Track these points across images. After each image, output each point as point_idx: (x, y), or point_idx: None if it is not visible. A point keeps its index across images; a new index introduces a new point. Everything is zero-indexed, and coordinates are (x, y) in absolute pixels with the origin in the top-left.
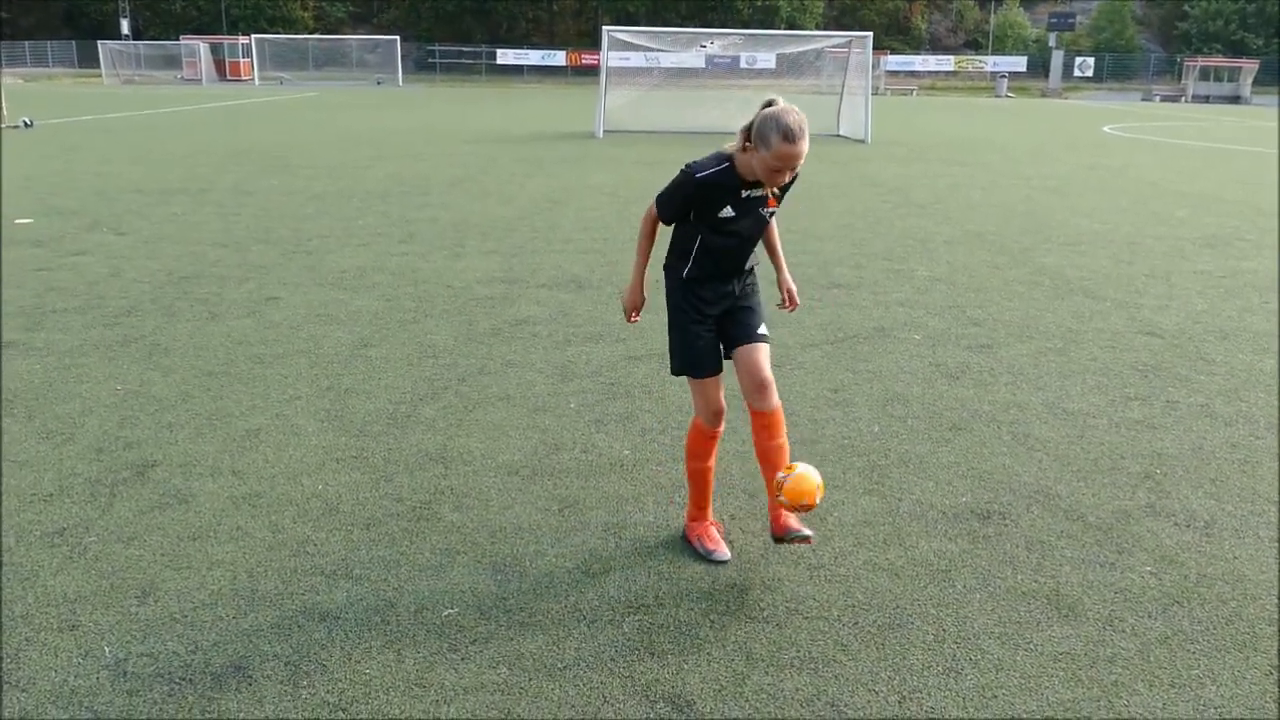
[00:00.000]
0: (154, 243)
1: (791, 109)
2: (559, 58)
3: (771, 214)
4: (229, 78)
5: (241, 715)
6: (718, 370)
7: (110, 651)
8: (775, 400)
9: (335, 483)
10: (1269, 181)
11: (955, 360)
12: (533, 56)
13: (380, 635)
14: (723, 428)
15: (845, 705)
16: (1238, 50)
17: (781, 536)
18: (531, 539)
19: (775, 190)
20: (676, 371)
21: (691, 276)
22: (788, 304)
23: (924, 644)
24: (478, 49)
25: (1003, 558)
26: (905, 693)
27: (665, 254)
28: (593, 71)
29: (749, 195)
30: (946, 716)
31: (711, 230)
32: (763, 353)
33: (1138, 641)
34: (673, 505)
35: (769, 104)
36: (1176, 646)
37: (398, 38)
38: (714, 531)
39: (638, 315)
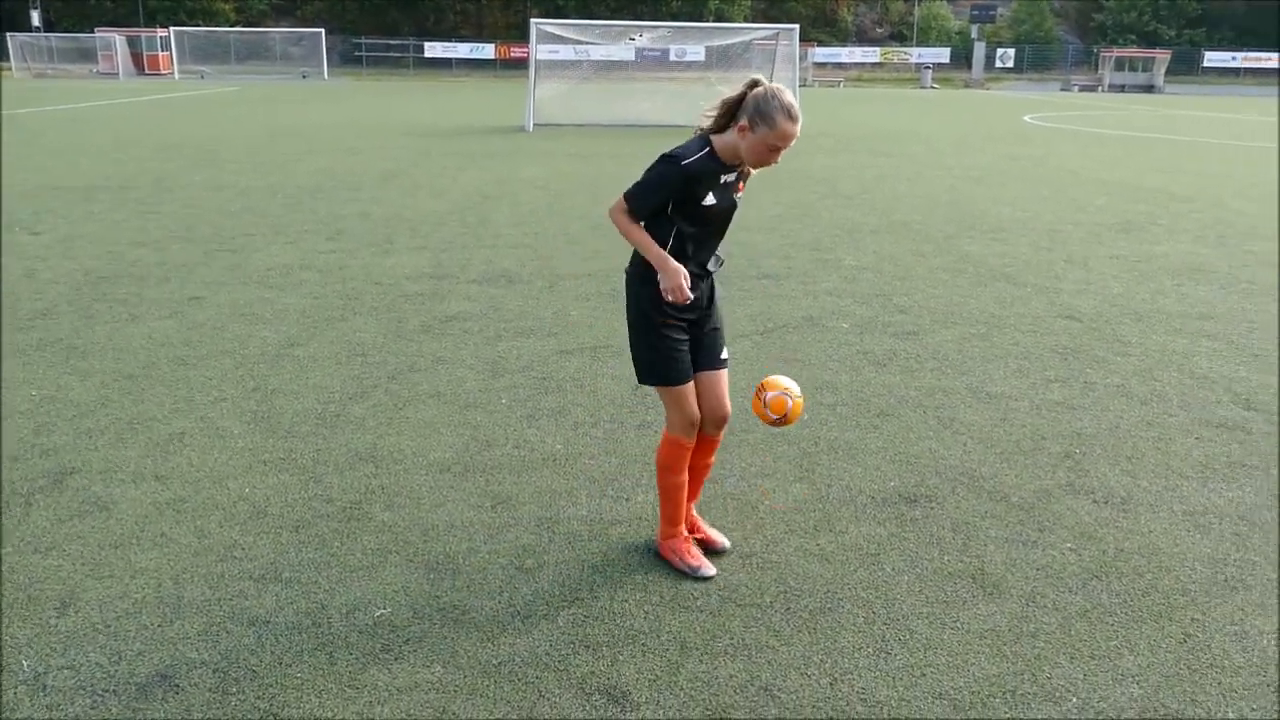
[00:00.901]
0: (70, 242)
1: (785, 89)
2: (488, 51)
3: (739, 197)
4: (147, 72)
5: None
6: (691, 377)
7: (29, 665)
8: (724, 431)
9: (263, 485)
10: (1182, 168)
11: (882, 347)
12: (461, 49)
13: (311, 638)
14: (695, 439)
15: (778, 689)
16: (1151, 41)
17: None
18: (464, 536)
19: (742, 173)
20: (649, 382)
21: None
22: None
23: (854, 626)
24: (405, 42)
25: (929, 539)
26: (837, 675)
27: (629, 260)
28: (522, 64)
29: (726, 180)
30: (877, 696)
31: (688, 220)
32: (725, 382)
33: (1059, 616)
34: (605, 498)
35: (754, 84)
36: (1095, 619)
37: (323, 31)
38: (694, 546)
39: (687, 288)
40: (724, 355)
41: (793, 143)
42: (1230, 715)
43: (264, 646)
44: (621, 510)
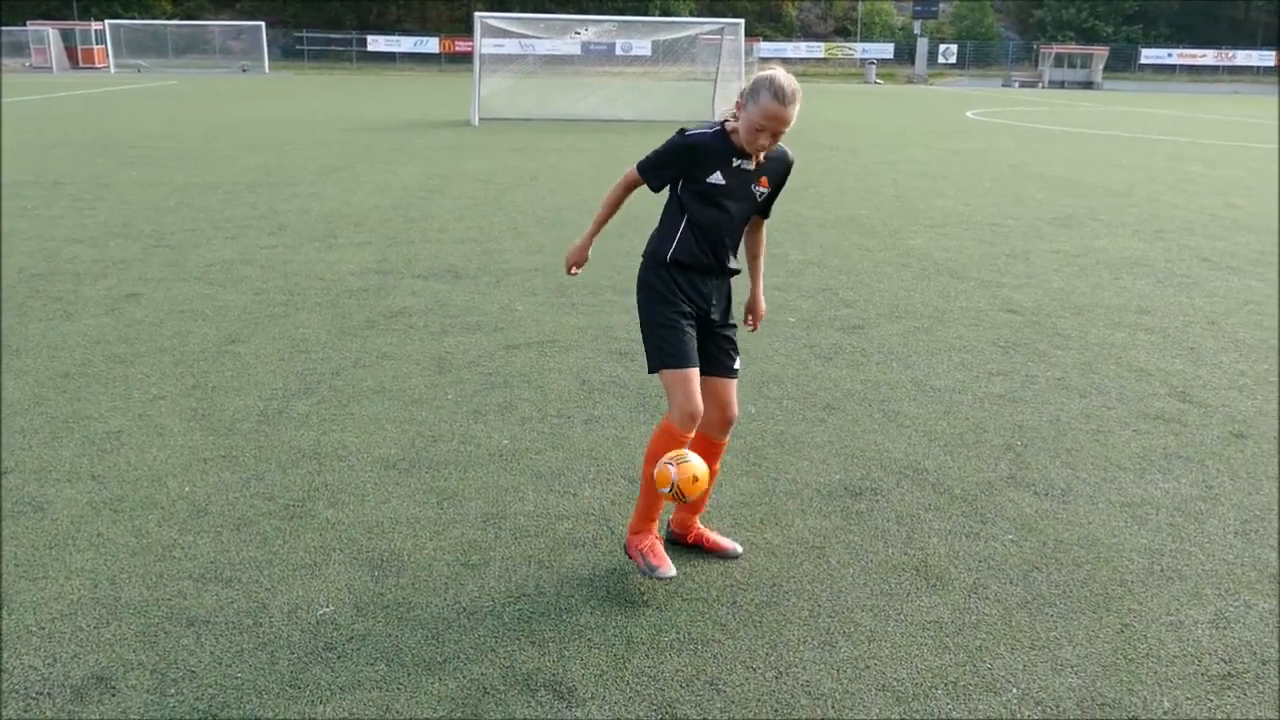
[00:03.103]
0: (3, 239)
1: (790, 76)
2: (432, 45)
3: (763, 195)
4: (82, 65)
5: None
6: (697, 365)
7: None
8: (729, 435)
9: (203, 483)
10: (1120, 163)
11: (828, 341)
12: (405, 43)
13: (252, 638)
14: (694, 434)
15: (724, 683)
16: (1089, 38)
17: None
18: (409, 533)
19: (764, 170)
20: (655, 367)
21: (675, 259)
22: (751, 324)
23: (800, 619)
24: (348, 35)
25: (874, 532)
26: (782, 668)
27: (644, 245)
28: (467, 59)
29: (740, 165)
30: (822, 689)
31: (700, 202)
32: (734, 389)
33: (1000, 607)
34: (552, 494)
35: (769, 68)
36: (1036, 610)
37: (263, 24)
38: (660, 547)
39: (578, 270)
40: (736, 365)
41: (784, 127)
42: (1166, 704)
43: (203, 647)
44: (568, 505)
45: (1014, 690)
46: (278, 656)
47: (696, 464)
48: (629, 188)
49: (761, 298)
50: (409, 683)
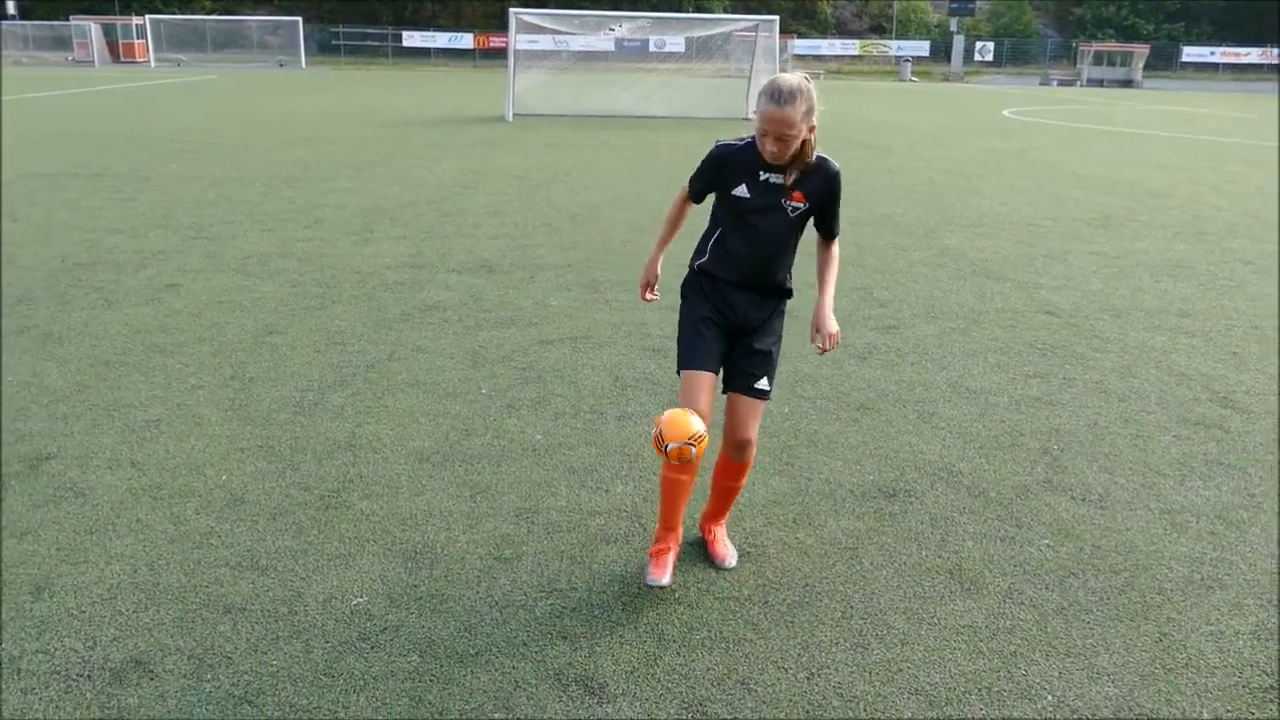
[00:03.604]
0: (47, 229)
1: (794, 76)
2: (466, 40)
3: (797, 211)
4: (123, 60)
5: (142, 710)
6: (709, 369)
7: (3, 650)
8: (750, 456)
9: (240, 473)
10: (1160, 163)
11: (863, 341)
12: (440, 39)
13: (287, 626)
14: (705, 439)
15: (755, 683)
16: (1129, 35)
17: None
18: (443, 525)
19: (800, 184)
20: (676, 368)
21: (704, 269)
22: (820, 344)
23: (832, 620)
24: (383, 30)
25: (908, 534)
26: (814, 669)
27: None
28: (501, 54)
29: (768, 178)
30: (854, 691)
31: (729, 215)
32: (756, 411)
33: (1035, 613)
34: (585, 489)
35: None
36: (1072, 617)
37: (300, 19)
38: (666, 559)
39: (652, 293)
40: (761, 385)
41: (787, 129)
42: (1205, 715)
43: (239, 633)
44: (601, 501)
45: (1049, 697)
46: (312, 645)
47: (682, 418)
48: (683, 202)
49: (827, 315)
50: (441, 674)
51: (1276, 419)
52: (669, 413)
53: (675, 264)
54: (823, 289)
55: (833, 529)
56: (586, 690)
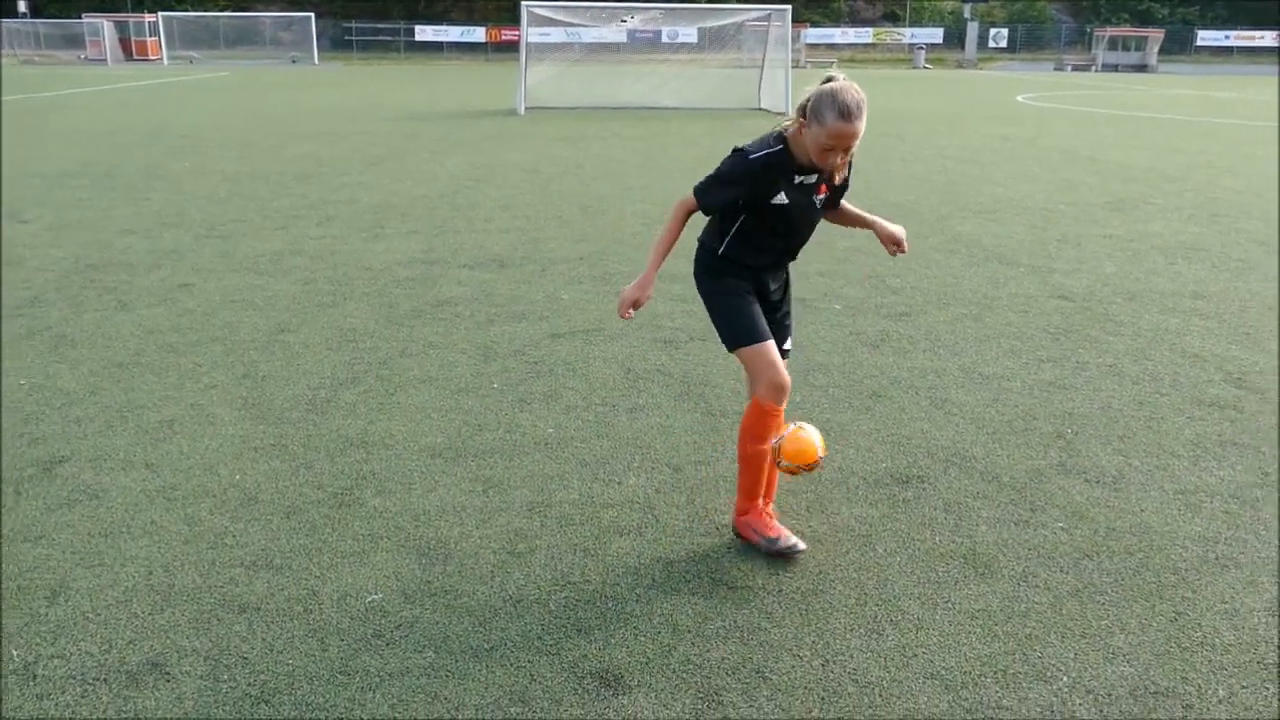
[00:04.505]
0: (58, 229)
1: (851, 87)
2: (479, 34)
3: (823, 203)
4: (135, 57)
5: (159, 712)
6: (771, 338)
7: (18, 654)
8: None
9: (254, 472)
10: (1175, 147)
11: (875, 328)
12: (452, 33)
13: (303, 625)
14: (784, 405)
15: (770, 671)
16: (1144, 20)
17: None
18: (456, 521)
19: (830, 178)
20: (733, 345)
21: (727, 255)
22: (895, 249)
23: (846, 608)
24: (396, 26)
25: (921, 520)
26: (829, 656)
27: (698, 235)
28: (513, 48)
29: (802, 181)
30: (869, 677)
31: (758, 217)
32: (785, 362)
33: (1050, 595)
34: (597, 482)
35: (828, 80)
36: (1087, 599)
37: (312, 15)
38: (770, 519)
39: (633, 311)
40: (788, 346)
41: (854, 142)
42: (1221, 693)
43: (255, 633)
44: (613, 494)
45: (1065, 679)
46: (328, 643)
47: (805, 432)
48: (686, 214)
49: (890, 226)
50: (457, 670)
51: None
52: (794, 438)
53: (672, 259)
54: (866, 219)
55: (846, 516)
56: (602, 683)
